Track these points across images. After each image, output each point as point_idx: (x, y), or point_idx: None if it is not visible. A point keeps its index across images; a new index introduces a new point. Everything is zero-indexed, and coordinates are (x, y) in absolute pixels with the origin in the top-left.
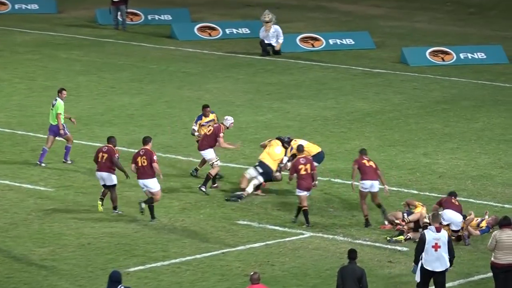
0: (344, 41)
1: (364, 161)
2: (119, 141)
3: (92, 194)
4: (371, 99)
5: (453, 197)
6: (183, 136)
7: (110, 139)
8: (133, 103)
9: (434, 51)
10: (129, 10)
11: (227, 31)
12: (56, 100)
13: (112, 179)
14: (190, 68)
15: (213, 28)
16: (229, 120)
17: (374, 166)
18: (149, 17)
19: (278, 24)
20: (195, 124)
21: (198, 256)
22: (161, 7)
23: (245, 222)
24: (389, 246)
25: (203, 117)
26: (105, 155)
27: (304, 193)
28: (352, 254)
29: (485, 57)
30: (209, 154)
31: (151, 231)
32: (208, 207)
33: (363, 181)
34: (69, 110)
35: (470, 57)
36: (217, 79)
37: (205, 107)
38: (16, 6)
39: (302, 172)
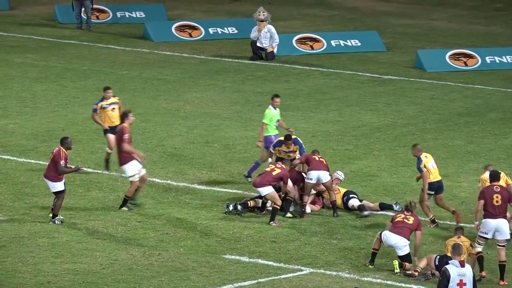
0: (348, 43)
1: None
2: (84, 161)
3: (49, 224)
4: (381, 111)
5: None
6: (160, 154)
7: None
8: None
9: (455, 54)
10: (95, 6)
11: (211, 30)
12: None
13: (56, 186)
14: (166, 74)
15: (194, 27)
16: None
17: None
18: (119, 14)
19: (272, 24)
20: (96, 105)
21: None
22: (132, 3)
23: (233, 257)
24: (403, 284)
25: (104, 100)
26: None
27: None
28: None
29: None
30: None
31: (122, 267)
32: (190, 239)
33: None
34: (24, 125)
35: (497, 61)
36: (198, 88)
37: (106, 89)
38: None
39: None
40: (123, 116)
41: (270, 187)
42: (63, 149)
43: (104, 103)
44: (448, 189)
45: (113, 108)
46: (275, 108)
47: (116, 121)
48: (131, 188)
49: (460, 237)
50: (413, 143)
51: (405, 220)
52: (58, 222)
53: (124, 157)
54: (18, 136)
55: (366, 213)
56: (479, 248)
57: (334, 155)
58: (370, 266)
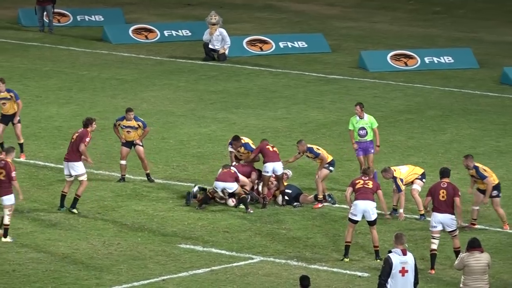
0: (296, 44)
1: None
2: (47, 156)
3: (16, 216)
4: (326, 108)
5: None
6: (118, 149)
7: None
8: (61, 114)
9: (396, 55)
10: (56, 10)
11: (166, 33)
12: None
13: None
14: (124, 74)
15: (150, 30)
16: None
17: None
18: (79, 18)
19: (223, 27)
20: (115, 121)
21: (135, 283)
22: (91, 7)
23: (187, 246)
24: (348, 272)
25: (125, 120)
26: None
27: None
28: (304, 281)
29: (452, 61)
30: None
31: (83, 256)
32: (147, 229)
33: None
34: None
35: (436, 62)
36: (155, 87)
37: (128, 110)
38: None
39: None
40: (87, 123)
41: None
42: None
43: (123, 123)
44: (390, 182)
45: (128, 131)
46: (357, 116)
47: (131, 139)
48: (83, 187)
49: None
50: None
51: (366, 186)
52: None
53: (79, 156)
54: None
55: (296, 204)
56: (433, 246)
57: (282, 151)
58: (346, 260)
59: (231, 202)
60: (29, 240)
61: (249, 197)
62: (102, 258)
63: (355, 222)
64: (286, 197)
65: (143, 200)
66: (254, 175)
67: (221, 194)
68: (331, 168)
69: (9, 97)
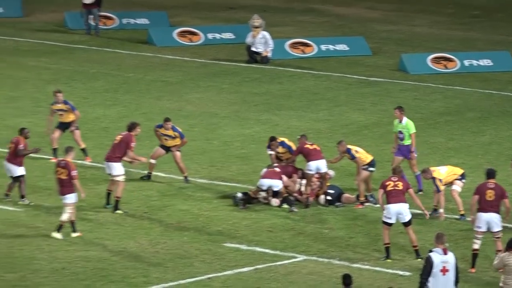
0: (337, 47)
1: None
2: (94, 157)
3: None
4: (367, 110)
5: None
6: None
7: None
8: (108, 115)
9: (435, 57)
10: (102, 14)
11: (210, 36)
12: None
13: (18, 171)
14: (169, 76)
15: (194, 33)
16: None
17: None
18: (124, 21)
19: (266, 30)
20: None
21: (181, 281)
22: (137, 10)
23: (232, 245)
24: (389, 271)
25: (163, 128)
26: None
27: None
28: (346, 279)
29: (491, 64)
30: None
31: (130, 255)
32: (193, 229)
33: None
34: (39, 123)
35: (475, 64)
36: (199, 89)
37: (166, 120)
38: None
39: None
40: (132, 127)
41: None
42: (22, 138)
43: (161, 131)
44: (430, 183)
45: (166, 139)
46: (398, 119)
47: (168, 146)
48: (120, 188)
49: None
50: None
51: (396, 188)
52: (27, 202)
53: (119, 158)
54: (32, 134)
55: (338, 204)
56: (475, 245)
57: (324, 151)
58: (389, 261)
59: (275, 202)
60: (77, 239)
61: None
62: (149, 256)
63: (390, 224)
64: (329, 197)
65: (188, 200)
66: (296, 176)
67: (264, 194)
68: (370, 168)
69: (65, 108)
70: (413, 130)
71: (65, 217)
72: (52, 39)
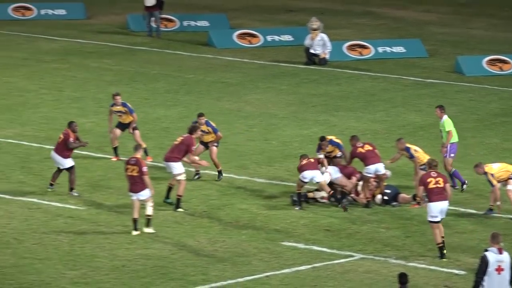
0: (394, 49)
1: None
2: (154, 157)
3: (126, 213)
4: (424, 111)
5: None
6: (223, 150)
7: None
8: (168, 116)
9: (491, 59)
10: (163, 16)
11: (269, 38)
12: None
13: (66, 163)
14: (229, 78)
15: (253, 35)
16: None
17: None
18: (185, 23)
19: (324, 32)
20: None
21: (240, 279)
22: (197, 12)
23: (290, 244)
24: (445, 269)
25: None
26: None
27: None
28: (402, 278)
29: None
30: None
31: (189, 253)
32: (251, 227)
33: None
34: (100, 123)
35: None
36: (258, 90)
37: (200, 115)
38: (42, 12)
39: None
40: (192, 130)
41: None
42: (71, 131)
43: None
44: (486, 183)
45: (202, 135)
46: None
47: (206, 141)
48: (182, 187)
49: None
50: None
51: (438, 185)
52: (76, 194)
53: (179, 158)
54: (94, 133)
55: (394, 203)
56: None
57: (381, 152)
58: (444, 260)
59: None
60: (137, 237)
61: (346, 198)
62: (208, 255)
63: (438, 222)
64: (385, 197)
65: (247, 199)
66: (355, 178)
67: (321, 194)
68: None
69: (123, 110)
70: (448, 128)
71: (150, 211)
72: (114, 41)
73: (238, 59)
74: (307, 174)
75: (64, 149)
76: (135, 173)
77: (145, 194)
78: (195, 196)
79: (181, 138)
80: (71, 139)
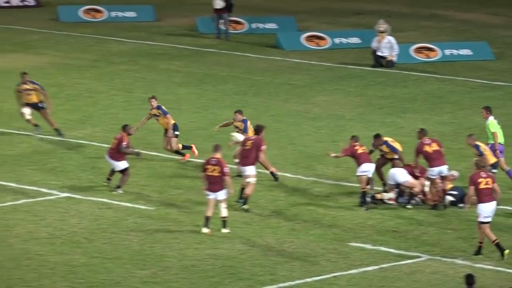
0: (461, 52)
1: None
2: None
3: (195, 213)
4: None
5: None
6: (291, 152)
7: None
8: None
9: None
10: (232, 18)
11: (336, 40)
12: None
13: (119, 165)
14: (297, 79)
15: (321, 38)
16: None
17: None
18: (253, 25)
19: (391, 35)
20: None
21: (308, 279)
22: (266, 15)
23: (357, 244)
24: None
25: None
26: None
27: None
28: (469, 279)
29: None
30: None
31: (257, 253)
32: (318, 228)
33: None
34: None
35: None
36: (325, 92)
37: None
38: (112, 14)
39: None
40: (260, 130)
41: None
42: (125, 134)
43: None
44: None
45: (238, 131)
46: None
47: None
48: (251, 188)
49: None
50: None
51: (488, 186)
52: (120, 192)
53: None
54: (163, 134)
55: (461, 205)
56: None
57: (449, 154)
58: (506, 252)
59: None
60: (206, 237)
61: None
62: (276, 255)
63: (489, 222)
64: (452, 198)
65: (314, 200)
66: (423, 179)
67: (389, 195)
68: (493, 170)
69: (158, 114)
70: (493, 129)
71: (225, 212)
72: (183, 43)
73: (306, 61)
74: (366, 167)
75: (117, 152)
76: (216, 173)
77: (223, 194)
78: (262, 197)
79: (251, 141)
80: (124, 143)
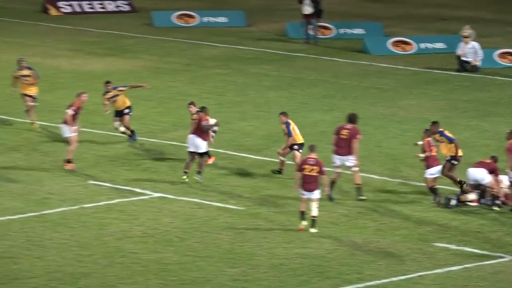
0: None
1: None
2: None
3: (285, 213)
4: None
5: None
6: (377, 154)
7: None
8: (325, 120)
9: None
10: (320, 24)
11: (422, 46)
12: None
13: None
14: (383, 84)
15: (407, 43)
16: None
17: None
18: (341, 31)
19: (476, 40)
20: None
21: (394, 279)
22: (353, 21)
23: (442, 245)
24: None
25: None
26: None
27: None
28: None
29: None
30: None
31: (345, 252)
32: (404, 228)
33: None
34: (260, 127)
35: None
36: (411, 96)
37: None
38: (204, 19)
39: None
40: (355, 118)
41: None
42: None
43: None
44: None
45: (284, 134)
46: None
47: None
48: (357, 176)
49: None
50: None
51: None
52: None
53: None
54: (254, 136)
55: None
56: None
57: None
58: None
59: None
60: (295, 236)
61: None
62: (363, 254)
63: None
64: None
65: (400, 201)
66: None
67: (471, 197)
68: None
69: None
70: None
71: (316, 212)
72: (273, 47)
73: (392, 66)
74: (434, 170)
75: (201, 131)
76: (314, 173)
77: (317, 193)
78: (350, 197)
79: (347, 130)
80: (204, 122)
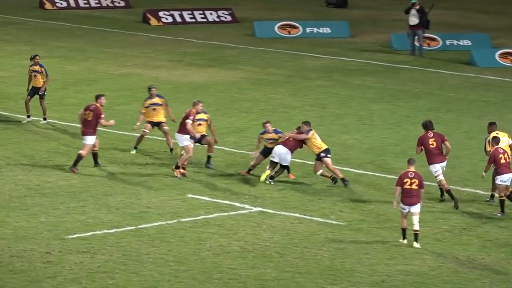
0: None
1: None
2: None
3: (386, 228)
4: None
5: None
6: (483, 168)
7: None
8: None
9: None
10: (426, 35)
11: None
12: None
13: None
14: (490, 96)
15: (511, 54)
16: None
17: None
18: (448, 42)
19: None
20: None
21: None
22: (460, 32)
23: None
24: None
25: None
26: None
27: None
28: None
29: None
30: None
31: (448, 270)
32: (510, 245)
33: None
34: (363, 140)
35: None
36: None
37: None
38: (308, 30)
39: None
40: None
41: None
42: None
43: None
44: None
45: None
46: None
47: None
48: (444, 181)
49: None
50: None
51: None
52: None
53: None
54: (356, 150)
55: None
56: None
57: None
58: None
59: None
60: (397, 253)
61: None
62: (467, 272)
63: None
64: None
65: (506, 217)
66: None
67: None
68: None
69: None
70: None
71: (417, 226)
72: (377, 59)
73: (500, 78)
74: (506, 177)
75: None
76: (414, 186)
77: (418, 207)
78: (454, 214)
79: (433, 139)
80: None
